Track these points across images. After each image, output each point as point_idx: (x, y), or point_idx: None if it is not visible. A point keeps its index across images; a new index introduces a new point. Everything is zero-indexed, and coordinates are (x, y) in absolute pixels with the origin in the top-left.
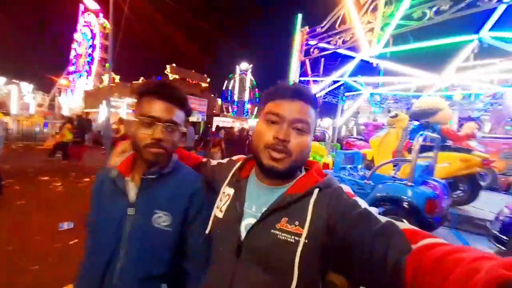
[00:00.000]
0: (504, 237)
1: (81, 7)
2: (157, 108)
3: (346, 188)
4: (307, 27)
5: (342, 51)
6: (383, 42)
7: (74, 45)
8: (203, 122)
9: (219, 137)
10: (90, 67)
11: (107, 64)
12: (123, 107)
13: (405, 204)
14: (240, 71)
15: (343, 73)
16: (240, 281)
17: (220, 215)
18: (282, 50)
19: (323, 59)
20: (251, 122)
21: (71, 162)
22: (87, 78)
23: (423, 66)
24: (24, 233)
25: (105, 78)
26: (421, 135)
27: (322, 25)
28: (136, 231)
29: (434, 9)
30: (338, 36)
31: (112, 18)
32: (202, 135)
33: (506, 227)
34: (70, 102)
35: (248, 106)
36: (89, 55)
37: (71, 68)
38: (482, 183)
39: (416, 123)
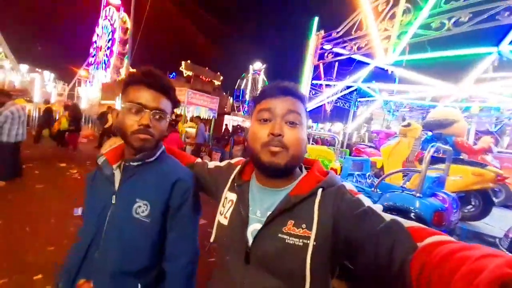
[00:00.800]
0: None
1: (103, 1)
2: (144, 95)
3: (349, 186)
4: (322, 31)
5: (357, 56)
6: (399, 50)
7: (94, 38)
8: (213, 120)
9: (242, 135)
10: (108, 60)
11: (125, 57)
12: None
13: (412, 215)
14: (253, 71)
15: (356, 78)
16: (250, 287)
17: (225, 222)
18: (297, 52)
19: (336, 64)
20: None
21: (67, 149)
22: (105, 70)
23: (440, 75)
24: (41, 216)
25: (123, 71)
26: (433, 146)
27: (338, 29)
28: (115, 220)
29: (453, 20)
30: (353, 42)
31: (133, 13)
32: (226, 133)
33: None
34: (89, 93)
35: None
36: (108, 48)
37: (90, 60)
38: (496, 200)
39: (430, 133)
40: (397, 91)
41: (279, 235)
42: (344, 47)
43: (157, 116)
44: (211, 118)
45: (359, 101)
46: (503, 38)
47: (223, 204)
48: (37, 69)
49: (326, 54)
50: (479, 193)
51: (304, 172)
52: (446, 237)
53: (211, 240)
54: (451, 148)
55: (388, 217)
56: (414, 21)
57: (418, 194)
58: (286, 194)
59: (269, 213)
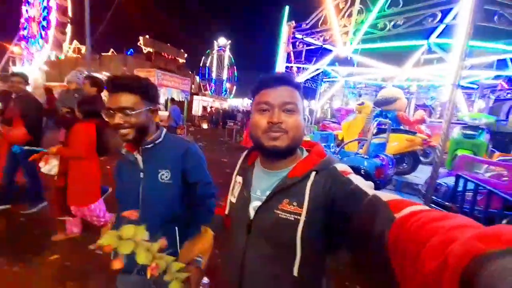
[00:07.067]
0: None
1: None
2: (110, 100)
3: (341, 167)
4: (293, 22)
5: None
6: (355, 43)
7: (25, 6)
8: (187, 102)
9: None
10: (46, 33)
11: (66, 28)
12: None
13: (362, 171)
14: (219, 47)
15: (323, 62)
16: (252, 252)
17: (234, 200)
18: (262, 31)
19: (304, 49)
20: (230, 102)
21: None
22: (43, 46)
23: (388, 60)
24: None
25: (65, 46)
26: (376, 120)
27: (307, 21)
28: (148, 188)
29: (392, 23)
30: (320, 34)
31: None
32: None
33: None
34: (29, 74)
35: (227, 85)
36: (44, 18)
37: (22, 33)
38: (426, 160)
39: (378, 109)
40: (355, 73)
41: (275, 210)
42: (313, 37)
43: (122, 113)
44: (183, 100)
45: (324, 81)
46: (430, 34)
47: (233, 186)
48: None
49: (297, 43)
50: (411, 154)
51: (305, 154)
52: (424, 207)
53: (226, 212)
54: (390, 122)
55: (371, 192)
56: (366, 21)
57: (365, 156)
58: (284, 176)
59: (268, 192)
